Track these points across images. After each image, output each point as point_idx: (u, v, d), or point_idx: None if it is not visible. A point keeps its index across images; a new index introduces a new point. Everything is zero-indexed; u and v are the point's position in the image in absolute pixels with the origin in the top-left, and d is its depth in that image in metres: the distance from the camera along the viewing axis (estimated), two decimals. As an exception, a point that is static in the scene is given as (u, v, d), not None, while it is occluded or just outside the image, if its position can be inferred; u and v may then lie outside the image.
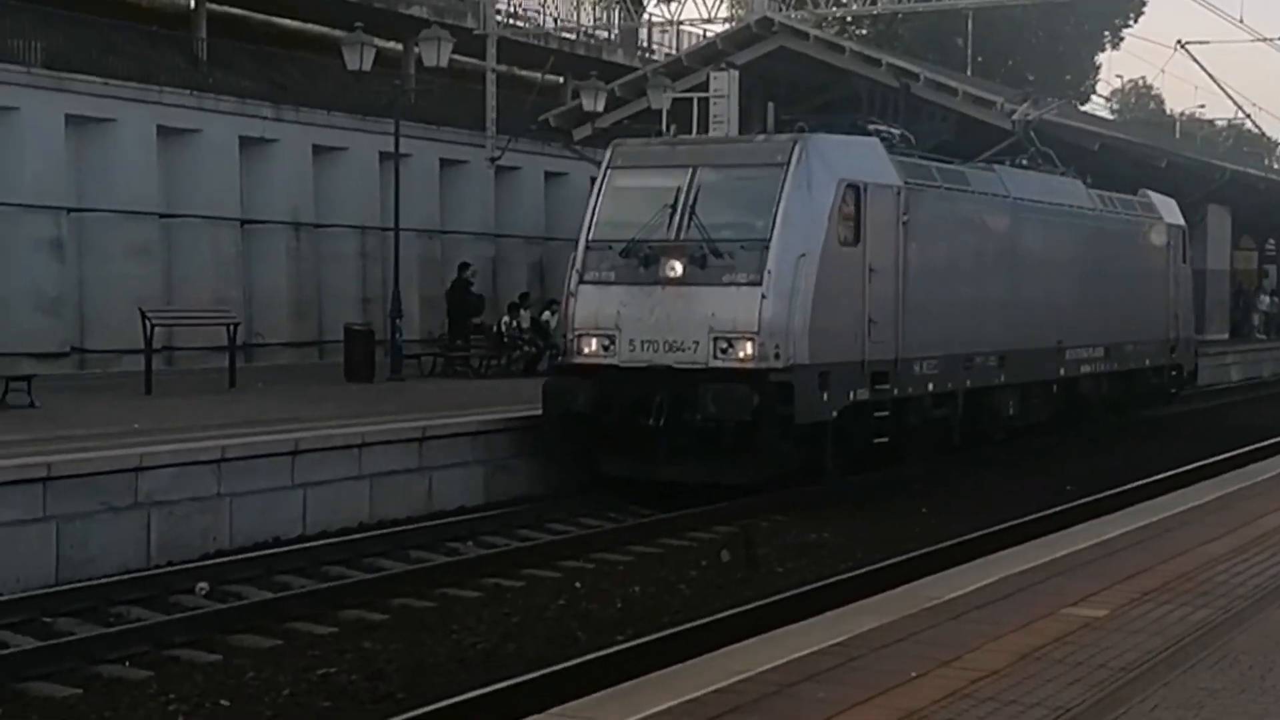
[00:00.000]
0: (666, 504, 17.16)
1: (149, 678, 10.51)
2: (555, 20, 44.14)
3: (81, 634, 11.54)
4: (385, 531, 15.80)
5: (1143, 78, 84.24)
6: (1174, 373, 28.88)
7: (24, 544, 13.24)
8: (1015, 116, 26.46)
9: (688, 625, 11.40)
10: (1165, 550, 10.96)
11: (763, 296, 17.12)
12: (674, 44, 48.05)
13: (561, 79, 42.99)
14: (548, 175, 38.72)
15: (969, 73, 45.51)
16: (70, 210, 27.71)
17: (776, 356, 17.10)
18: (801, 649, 7.79)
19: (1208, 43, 75.76)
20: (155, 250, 29.20)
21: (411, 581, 13.52)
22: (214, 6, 35.06)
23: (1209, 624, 8.47)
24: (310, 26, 38.85)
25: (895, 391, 18.93)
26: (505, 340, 29.05)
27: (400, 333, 26.71)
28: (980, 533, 15.12)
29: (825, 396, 17.59)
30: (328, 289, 32.94)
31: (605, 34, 47.20)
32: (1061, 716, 6.66)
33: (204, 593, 13.05)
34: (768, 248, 17.27)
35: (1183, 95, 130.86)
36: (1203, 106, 77.87)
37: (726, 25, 39.15)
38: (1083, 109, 55.53)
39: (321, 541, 15.27)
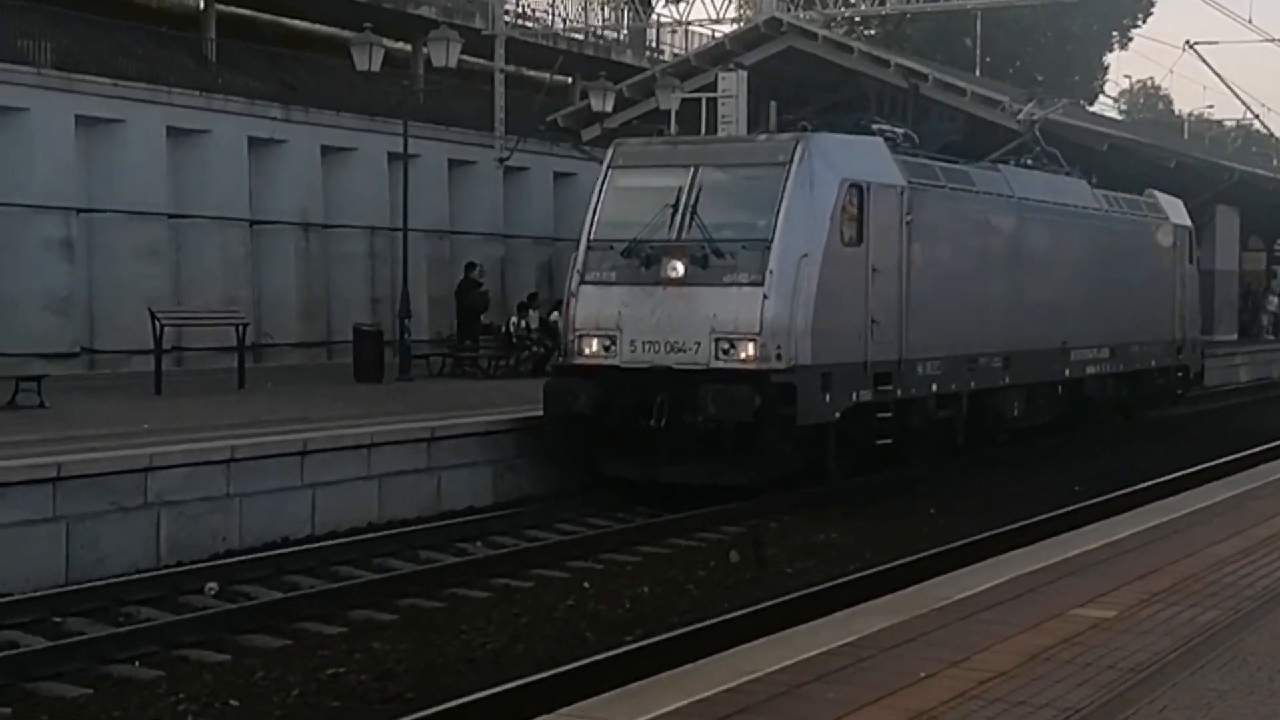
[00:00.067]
0: (669, 505, 17.09)
1: (159, 678, 10.52)
2: (564, 21, 44.17)
3: (91, 634, 11.56)
4: (394, 532, 15.80)
5: (1151, 78, 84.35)
6: (1180, 374, 28.73)
7: (34, 544, 13.27)
8: (1020, 116, 26.40)
9: (697, 625, 11.40)
10: (1174, 551, 10.95)
11: (764, 297, 17.03)
12: (682, 44, 48.07)
13: (570, 79, 43.04)
14: (556, 176, 38.75)
15: (977, 73, 45.48)
16: (80, 211, 27.77)
17: (778, 357, 17.01)
18: (810, 649, 7.79)
19: (1216, 43, 75.55)
20: (164, 251, 29.24)
21: (420, 582, 13.53)
22: (223, 7, 35.11)
23: (1218, 625, 8.46)
24: (319, 27, 38.90)
25: (899, 392, 18.81)
26: (514, 341, 29.07)
27: (409, 333, 26.73)
28: (989, 533, 15.11)
29: (827, 398, 17.50)
30: (336, 289, 32.98)
31: (614, 34, 47.22)
32: (1071, 717, 6.66)
33: (213, 593, 13.06)
34: (769, 248, 17.17)
35: (1191, 96, 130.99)
36: (1211, 107, 77.72)
37: (735, 26, 39.13)
38: (1091, 109, 55.52)
39: (331, 542, 15.28)
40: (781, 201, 17.37)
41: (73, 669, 10.61)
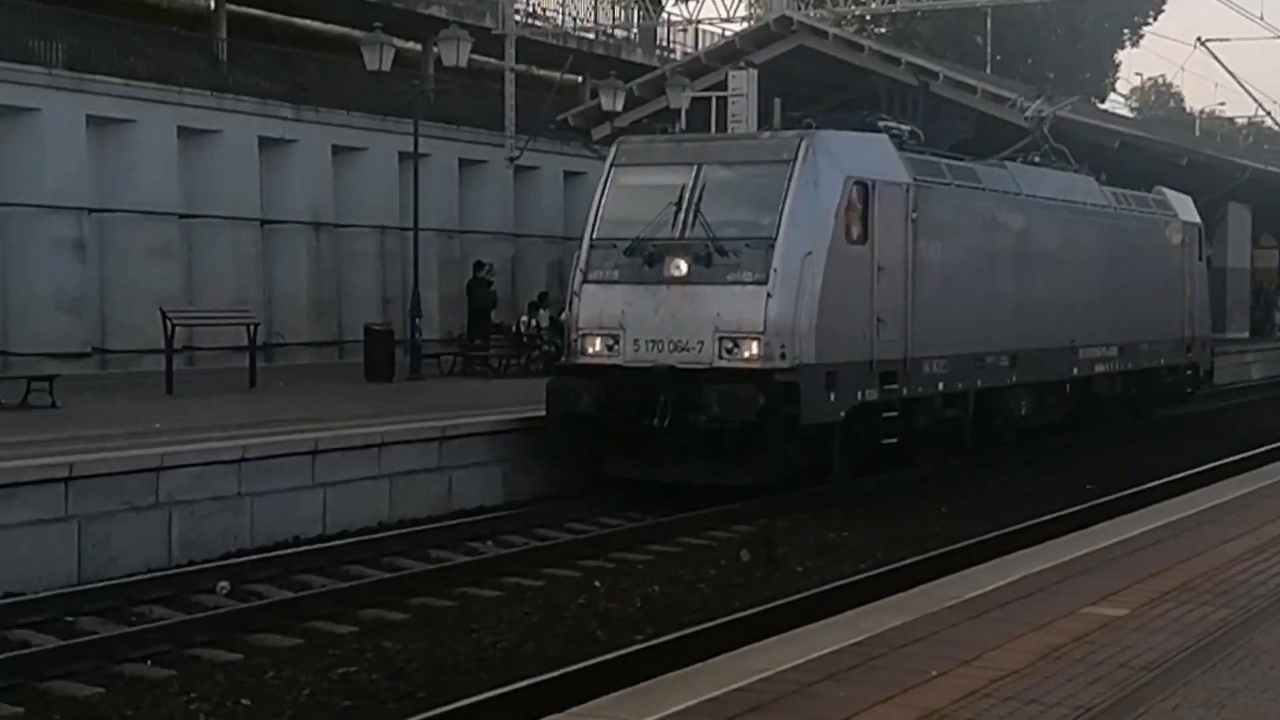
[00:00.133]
0: (674, 505, 17.00)
1: (170, 677, 10.54)
2: (574, 20, 44.19)
3: (103, 633, 11.59)
4: (405, 531, 15.82)
5: (1162, 75, 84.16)
6: (1189, 372, 28.57)
7: (46, 543, 13.30)
8: (1029, 113, 26.32)
9: (707, 624, 11.40)
10: (1185, 549, 10.93)
11: (768, 295, 16.91)
12: (693, 43, 48.06)
13: (580, 78, 43.05)
14: (566, 175, 38.77)
15: (988, 71, 45.44)
16: (91, 211, 27.84)
17: (782, 356, 16.91)
18: (821, 648, 7.79)
19: (1228, 40, 75.65)
20: (176, 250, 29.31)
21: (431, 581, 13.54)
22: (234, 7, 35.16)
23: (1230, 623, 8.45)
24: (330, 27, 38.95)
25: (904, 391, 18.67)
26: (524, 340, 29.09)
27: (420, 332, 26.76)
28: (999, 532, 15.09)
29: (832, 397, 17.38)
30: (347, 289, 33.04)
31: (624, 33, 47.23)
32: (1082, 716, 6.65)
33: (225, 592, 13.08)
34: (773, 246, 17.05)
35: (1203, 93, 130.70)
36: (1223, 104, 77.68)
37: (745, 24, 39.17)
38: (1102, 107, 55.43)
39: (342, 541, 15.30)
40: (785, 199, 17.25)
41: (85, 668, 10.63)
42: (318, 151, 32.45)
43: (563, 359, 19.26)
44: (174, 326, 22.54)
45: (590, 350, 17.85)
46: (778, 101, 22.72)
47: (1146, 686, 7.12)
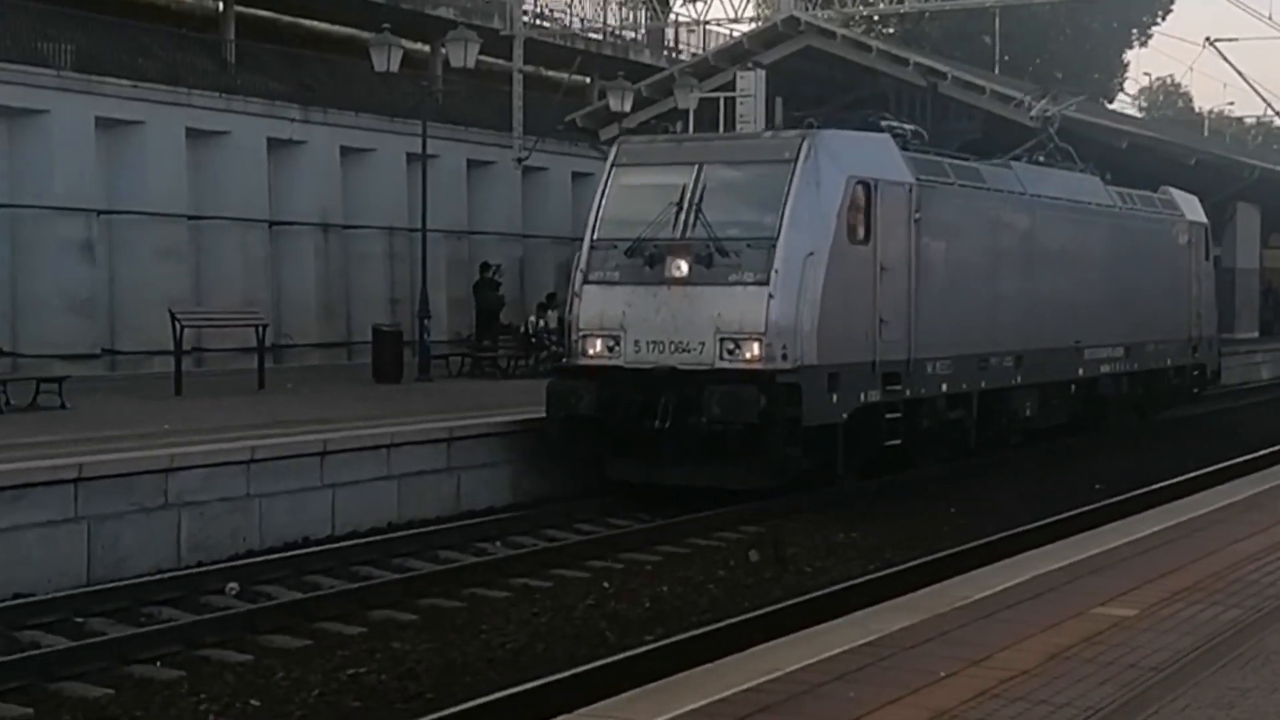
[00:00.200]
0: (682, 506, 16.90)
1: (180, 678, 10.55)
2: (582, 20, 44.18)
3: (113, 634, 11.60)
4: (414, 532, 15.83)
5: (1171, 76, 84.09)
6: (1196, 372, 28.43)
7: (56, 545, 13.32)
8: (1034, 113, 26.28)
9: (717, 625, 11.40)
10: (1195, 549, 10.92)
11: (770, 296, 16.79)
12: (701, 44, 48.05)
13: (588, 79, 43.06)
14: (575, 175, 38.77)
15: (996, 71, 45.42)
16: (100, 212, 27.87)
17: (784, 357, 16.79)
18: (831, 649, 7.79)
19: (1236, 40, 75.45)
20: (184, 252, 29.35)
21: (440, 582, 13.55)
22: (242, 9, 35.20)
23: (1240, 623, 8.44)
24: (338, 28, 38.97)
25: (908, 393, 18.55)
26: (532, 340, 29.10)
27: (428, 333, 26.78)
28: (1008, 532, 15.09)
29: (834, 398, 17.27)
30: (356, 290, 33.06)
31: (632, 34, 47.23)
32: (1092, 716, 6.65)
33: (234, 593, 13.09)
34: (775, 246, 16.93)
35: (1211, 93, 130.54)
36: (1231, 104, 77.79)
37: (753, 25, 39.12)
38: (1110, 107, 55.40)
39: (351, 542, 15.31)
40: (787, 199, 17.13)
41: (95, 669, 10.65)
42: (326, 153, 32.48)
43: (563, 360, 19.17)
44: (183, 328, 22.56)
45: (591, 351, 17.73)
46: (779, 101, 22.66)
47: (1156, 687, 7.12)
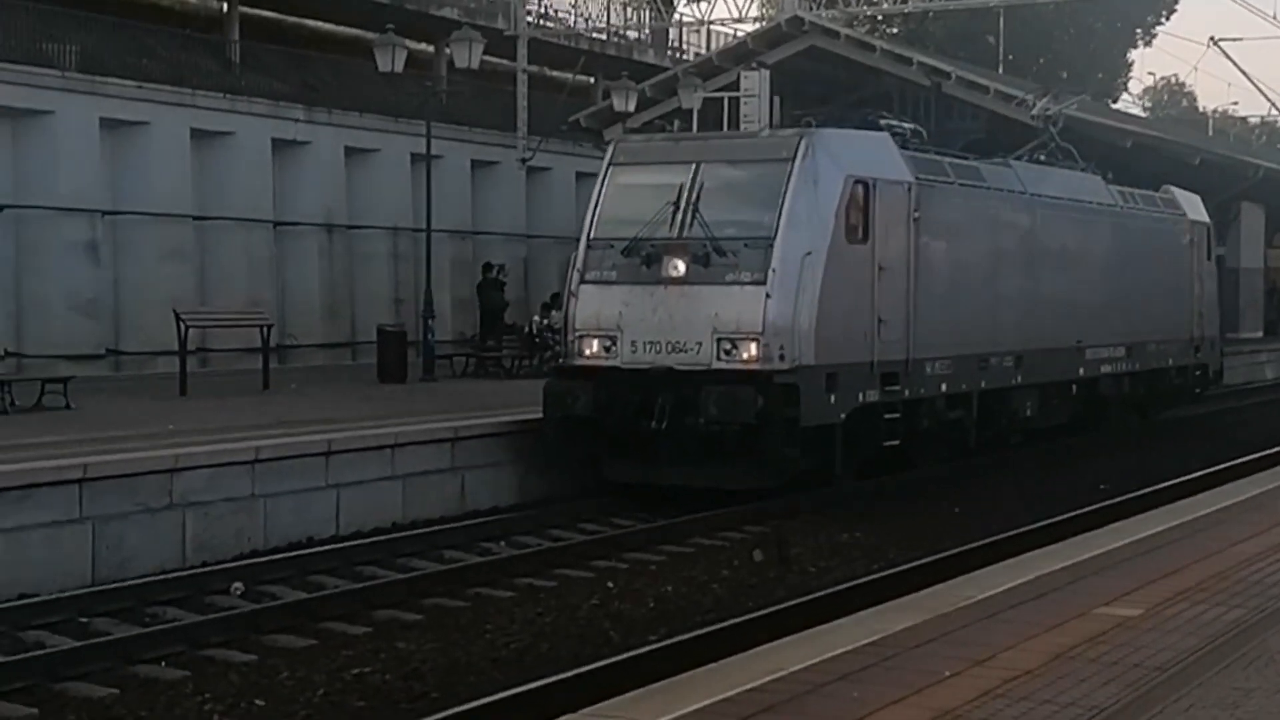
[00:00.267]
0: (685, 506, 16.84)
1: (185, 677, 10.56)
2: (586, 21, 44.17)
3: (118, 634, 11.61)
4: (418, 532, 15.83)
5: (1175, 75, 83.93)
6: (1198, 372, 28.36)
7: (61, 545, 13.34)
8: (1034, 112, 26.23)
9: (721, 625, 11.41)
10: (1199, 549, 10.92)
11: (767, 296, 16.70)
12: (705, 43, 48.05)
13: (592, 79, 43.06)
14: (579, 176, 38.71)
15: (1000, 71, 45.40)
16: (105, 213, 27.89)
17: (781, 358, 16.70)
18: (835, 648, 7.79)
19: (1241, 39, 75.36)
20: (189, 252, 29.37)
21: (445, 581, 13.56)
22: (246, 9, 35.21)
23: (1244, 623, 8.44)
24: (342, 29, 38.99)
25: (906, 393, 18.46)
26: (537, 340, 29.09)
27: (432, 333, 26.78)
28: (1012, 532, 15.09)
29: (832, 398, 17.18)
30: (360, 290, 33.08)
31: (636, 34, 47.24)
32: (1096, 716, 6.65)
33: (239, 593, 13.11)
34: (772, 246, 16.83)
35: (1215, 92, 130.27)
36: (1235, 103, 77.50)
37: (757, 25, 39.12)
38: (1114, 107, 55.36)
39: (355, 542, 15.32)
40: (784, 198, 17.04)
41: (99, 669, 10.66)
42: (330, 153, 32.50)
43: (559, 360, 19.09)
44: (187, 328, 22.57)
45: (587, 352, 17.63)
46: (777, 99, 22.57)
47: (1160, 687, 7.12)
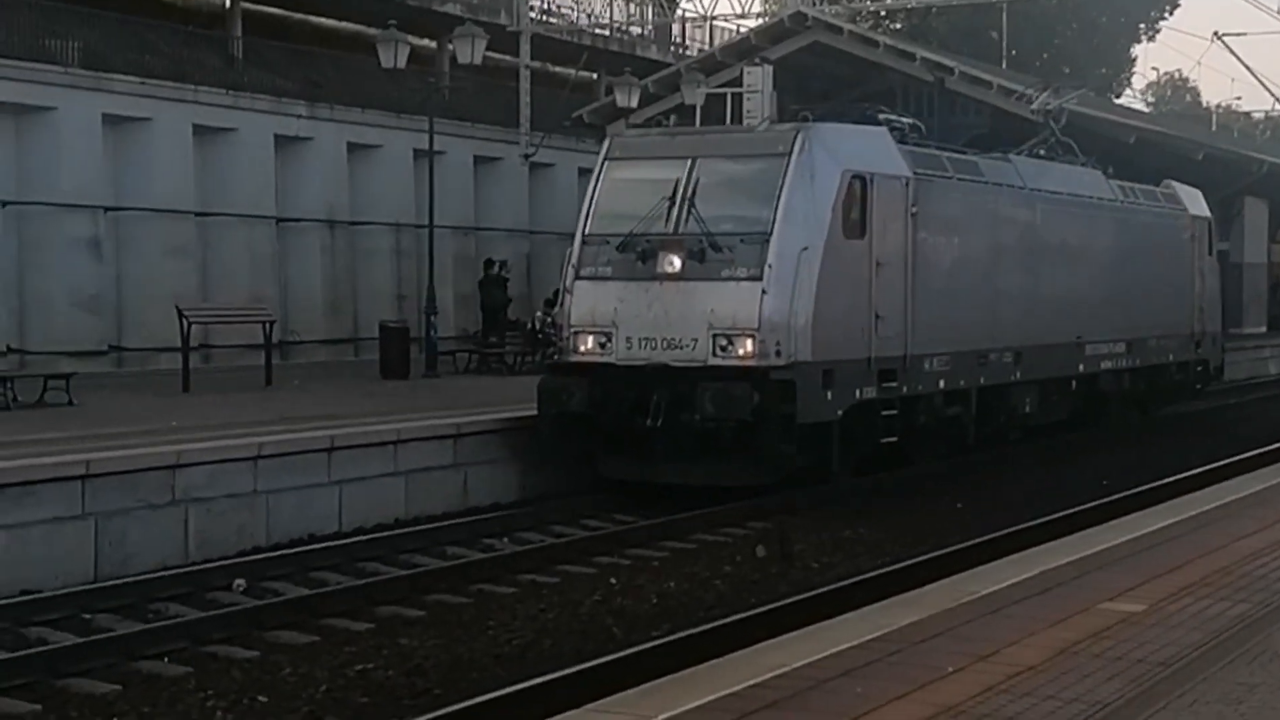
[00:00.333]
0: (685, 503, 16.78)
1: (187, 674, 10.56)
2: (588, 16, 44.16)
3: (120, 630, 11.62)
4: (421, 528, 15.84)
5: (1179, 70, 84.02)
6: (1199, 368, 28.26)
7: (63, 541, 13.34)
8: (1034, 106, 26.17)
9: (724, 621, 11.40)
10: (1202, 545, 10.91)
11: (763, 292, 16.59)
12: (708, 39, 48.04)
13: (595, 75, 43.04)
14: (581, 171, 38.62)
15: (1004, 66, 45.37)
16: (107, 209, 27.90)
17: (778, 354, 16.60)
18: (838, 644, 7.78)
19: (1244, 34, 75.01)
20: (192, 248, 29.39)
21: (448, 578, 13.55)
22: (249, 5, 35.22)
23: (1247, 619, 8.43)
24: (345, 25, 39.00)
25: (904, 389, 18.36)
26: (539, 336, 29.07)
27: (435, 330, 26.80)
28: (1015, 528, 15.08)
29: (829, 395, 17.07)
30: (363, 286, 33.09)
31: (638, 30, 47.21)
32: (1099, 712, 6.64)
33: (241, 589, 13.11)
34: (768, 241, 16.71)
35: (1219, 87, 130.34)
36: (1239, 98, 77.59)
37: (760, 20, 39.11)
38: (1118, 102, 55.33)
39: (358, 538, 15.32)
40: (781, 193, 16.91)
41: (102, 665, 10.66)
42: (333, 149, 32.51)
43: (555, 357, 19.00)
44: (190, 324, 22.59)
45: (582, 348, 17.51)
46: (774, 94, 22.46)
47: (1164, 682, 7.11)
